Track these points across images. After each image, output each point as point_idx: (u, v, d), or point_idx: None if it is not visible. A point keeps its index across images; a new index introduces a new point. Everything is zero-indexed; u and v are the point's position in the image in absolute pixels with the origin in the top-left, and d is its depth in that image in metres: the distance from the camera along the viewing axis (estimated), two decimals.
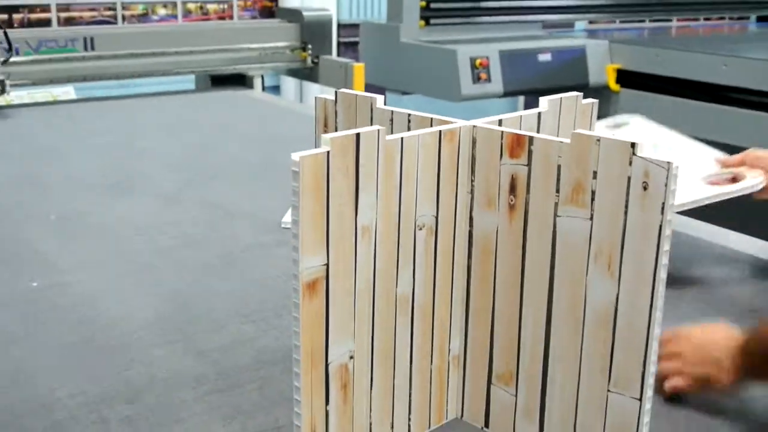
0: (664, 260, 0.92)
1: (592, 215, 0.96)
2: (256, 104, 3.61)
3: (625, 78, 4.38)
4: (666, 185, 0.90)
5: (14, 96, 3.25)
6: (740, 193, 1.59)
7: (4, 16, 5.44)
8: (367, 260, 0.97)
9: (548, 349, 1.03)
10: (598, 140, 0.94)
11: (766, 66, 3.90)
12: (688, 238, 1.86)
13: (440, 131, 1.02)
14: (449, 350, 1.12)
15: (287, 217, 1.90)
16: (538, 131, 1.14)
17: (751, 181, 1.60)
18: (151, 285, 1.58)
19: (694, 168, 1.67)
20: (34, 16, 5.90)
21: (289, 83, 6.28)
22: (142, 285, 1.58)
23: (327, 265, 0.92)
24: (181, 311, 1.47)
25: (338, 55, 4.44)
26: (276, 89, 6.14)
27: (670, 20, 6.24)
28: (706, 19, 6.41)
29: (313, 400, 0.95)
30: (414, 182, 1.01)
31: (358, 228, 0.95)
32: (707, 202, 1.59)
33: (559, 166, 0.98)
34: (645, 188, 0.92)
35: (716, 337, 1.21)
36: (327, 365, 0.95)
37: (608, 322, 0.97)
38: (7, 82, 3.24)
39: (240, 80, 3.94)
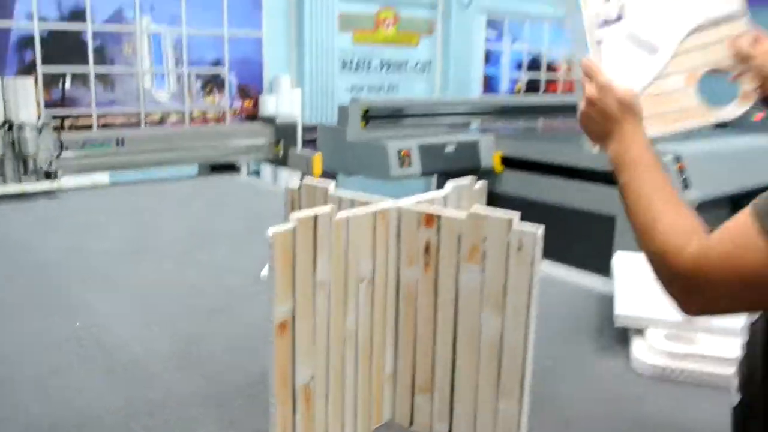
0: (534, 301, 0.93)
1: (483, 269, 0.97)
2: (243, 186, 3.60)
3: (507, 162, 4.47)
4: (534, 247, 0.92)
5: (64, 182, 3.19)
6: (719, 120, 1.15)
7: (58, 122, 5.37)
8: (323, 306, 0.96)
9: (455, 368, 1.03)
10: (486, 216, 0.96)
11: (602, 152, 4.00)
12: (555, 280, 1.89)
13: (375, 211, 1.03)
14: (384, 369, 1.11)
15: (265, 271, 1.88)
16: (445, 207, 1.15)
17: (734, 110, 1.11)
18: (165, 326, 1.54)
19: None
20: (78, 121, 5.84)
21: (267, 169, 6.26)
22: (159, 326, 1.54)
23: (293, 310, 0.91)
24: (188, 346, 1.44)
25: (302, 148, 4.45)
26: (257, 173, 6.11)
27: (538, 121, 6.39)
28: (564, 118, 6.57)
29: (284, 411, 0.93)
30: (356, 248, 1.01)
31: (316, 283, 0.94)
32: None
33: (459, 235, 0.99)
34: (519, 249, 0.93)
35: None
36: (294, 385, 0.94)
37: (497, 347, 0.97)
38: (59, 172, 3.18)
39: (231, 167, 3.93)
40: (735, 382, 0.97)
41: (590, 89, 1.03)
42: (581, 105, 1.05)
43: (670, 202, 0.91)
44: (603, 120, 1.02)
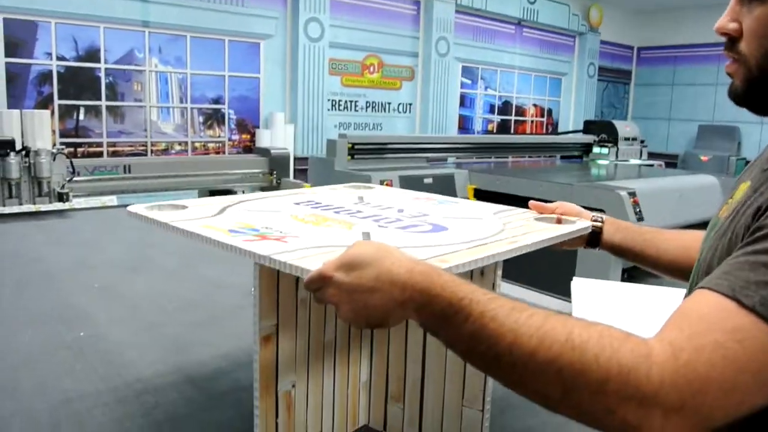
0: None
1: None
2: None
3: (479, 194, 4.50)
4: (494, 272, 0.93)
5: (75, 203, 3.17)
6: (576, 234, 1.06)
7: (72, 149, 5.35)
8: (304, 321, 0.96)
9: (423, 378, 1.03)
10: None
11: (563, 186, 4.05)
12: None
13: None
14: (360, 379, 1.11)
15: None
16: None
17: (583, 224, 1.08)
18: (159, 335, 1.53)
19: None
20: (91, 149, 5.81)
21: None
22: (153, 335, 1.53)
23: (277, 324, 0.91)
24: (179, 353, 1.42)
25: (294, 177, 4.45)
26: None
27: (507, 158, 6.45)
28: (530, 156, 6.64)
29: (267, 416, 0.93)
30: None
31: (298, 299, 0.94)
32: (551, 243, 1.00)
33: None
34: (482, 274, 0.94)
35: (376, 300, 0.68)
36: (277, 392, 0.93)
37: (461, 361, 0.97)
38: (71, 194, 3.17)
39: (228, 194, 3.92)
40: None
41: (330, 292, 0.71)
42: (342, 314, 0.72)
43: (562, 319, 0.61)
44: (369, 296, 0.68)
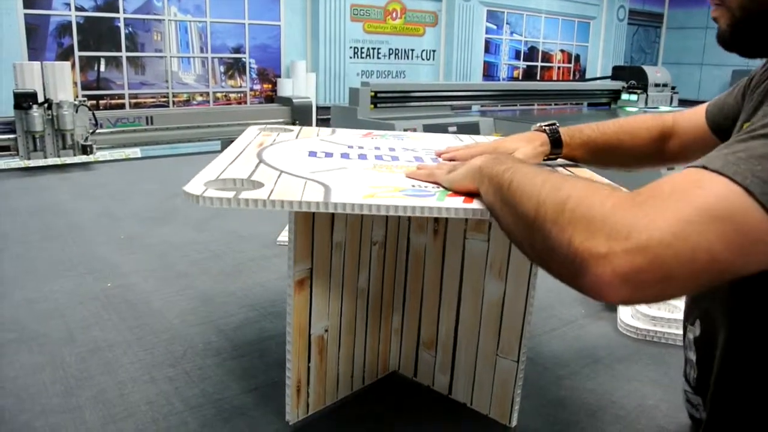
0: (535, 269, 0.90)
1: (488, 239, 0.94)
2: None
3: None
4: None
5: (99, 155, 3.17)
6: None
7: (94, 102, 5.35)
8: (338, 265, 0.94)
9: (457, 326, 1.00)
10: None
11: None
12: None
13: None
14: (392, 325, 1.09)
15: (281, 237, 1.86)
16: None
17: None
18: (185, 286, 1.52)
19: None
20: (113, 101, 5.81)
21: None
22: (180, 285, 1.52)
23: (311, 268, 0.89)
24: (206, 303, 1.41)
25: (316, 126, 4.41)
26: None
27: (533, 105, 6.33)
28: (556, 104, 6.50)
29: (299, 360, 0.91)
30: (371, 214, 0.98)
31: (333, 243, 0.92)
32: None
33: None
34: None
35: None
36: (309, 336, 0.91)
37: (497, 309, 0.95)
38: (94, 147, 3.17)
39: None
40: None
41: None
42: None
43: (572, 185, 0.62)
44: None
